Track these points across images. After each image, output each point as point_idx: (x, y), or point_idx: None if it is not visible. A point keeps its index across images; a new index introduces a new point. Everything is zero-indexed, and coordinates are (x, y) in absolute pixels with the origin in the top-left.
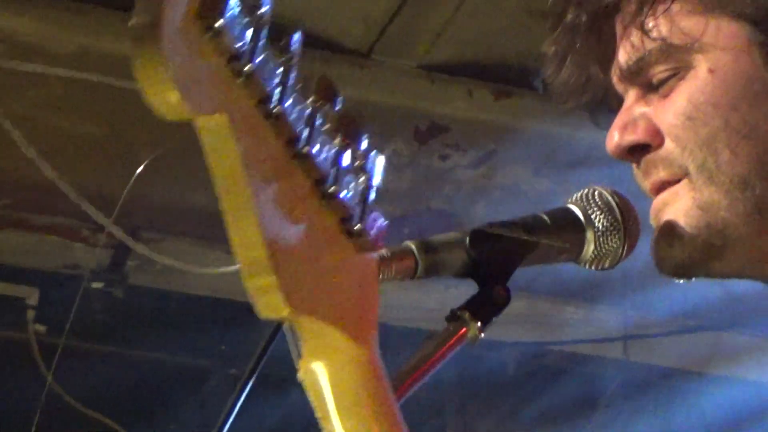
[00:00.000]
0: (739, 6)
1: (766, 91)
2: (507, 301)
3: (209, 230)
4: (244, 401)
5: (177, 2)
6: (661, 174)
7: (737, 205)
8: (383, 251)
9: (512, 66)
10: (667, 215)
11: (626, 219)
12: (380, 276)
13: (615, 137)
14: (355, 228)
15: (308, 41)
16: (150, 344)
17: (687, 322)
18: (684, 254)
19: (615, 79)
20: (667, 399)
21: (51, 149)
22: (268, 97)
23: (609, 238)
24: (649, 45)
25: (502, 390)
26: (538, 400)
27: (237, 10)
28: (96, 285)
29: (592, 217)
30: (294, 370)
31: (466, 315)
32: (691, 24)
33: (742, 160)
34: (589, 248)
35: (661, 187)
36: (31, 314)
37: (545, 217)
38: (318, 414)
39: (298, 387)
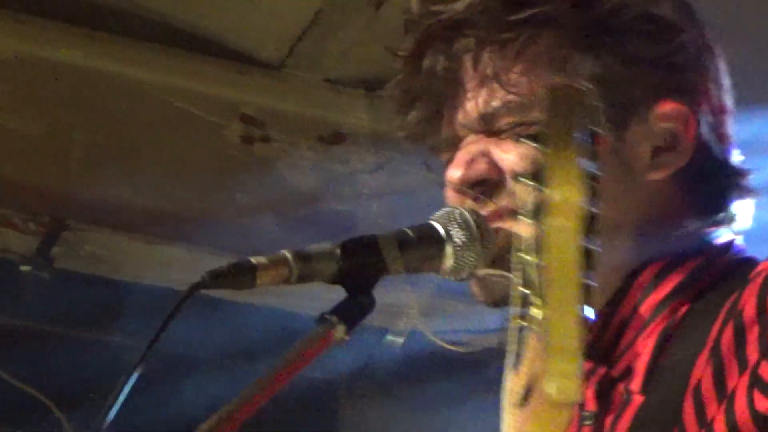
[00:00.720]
0: (588, 77)
1: (604, 150)
2: (371, 307)
3: (130, 222)
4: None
5: None
6: (505, 204)
7: None
8: (262, 258)
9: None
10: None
11: (483, 237)
12: (257, 281)
13: (460, 171)
14: None
15: (226, 53)
16: (76, 324)
17: None
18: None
19: (456, 123)
20: None
21: None
22: None
23: (466, 253)
24: (503, 99)
25: (393, 376)
26: (427, 386)
27: None
28: (24, 268)
29: (452, 232)
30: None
31: (334, 319)
32: (539, 85)
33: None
34: (449, 261)
35: (498, 216)
36: None
37: (410, 232)
38: None
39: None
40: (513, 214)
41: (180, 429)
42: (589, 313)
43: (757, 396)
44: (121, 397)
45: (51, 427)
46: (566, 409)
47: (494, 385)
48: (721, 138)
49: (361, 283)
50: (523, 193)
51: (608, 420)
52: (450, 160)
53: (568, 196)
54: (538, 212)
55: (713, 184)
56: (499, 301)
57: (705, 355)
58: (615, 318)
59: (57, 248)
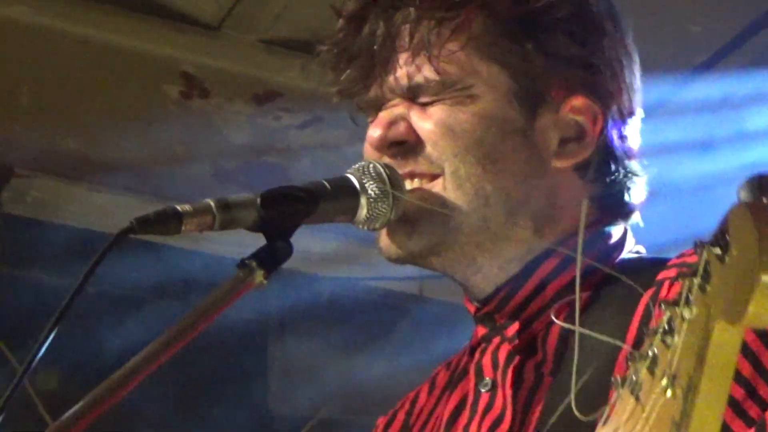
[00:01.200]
0: (510, 60)
1: (515, 131)
2: (289, 253)
3: (73, 170)
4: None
5: None
6: (422, 167)
7: (472, 215)
8: (186, 206)
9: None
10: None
11: (395, 190)
12: (183, 227)
13: (379, 131)
14: None
15: (167, 14)
16: (21, 264)
17: None
18: (416, 247)
19: (385, 86)
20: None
21: None
22: None
23: (379, 204)
24: (432, 74)
25: (317, 318)
26: (348, 328)
27: None
28: None
29: (366, 184)
30: None
31: (254, 264)
32: (470, 64)
33: (488, 180)
34: (363, 212)
35: (415, 176)
36: None
37: (327, 184)
38: None
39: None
40: (423, 176)
41: (114, 361)
42: None
43: None
44: (53, 332)
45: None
46: None
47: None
48: (625, 139)
49: (280, 231)
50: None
51: (522, 395)
52: (373, 120)
53: (760, 312)
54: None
55: (612, 180)
56: (402, 259)
57: (629, 340)
58: (519, 293)
59: (5, 194)
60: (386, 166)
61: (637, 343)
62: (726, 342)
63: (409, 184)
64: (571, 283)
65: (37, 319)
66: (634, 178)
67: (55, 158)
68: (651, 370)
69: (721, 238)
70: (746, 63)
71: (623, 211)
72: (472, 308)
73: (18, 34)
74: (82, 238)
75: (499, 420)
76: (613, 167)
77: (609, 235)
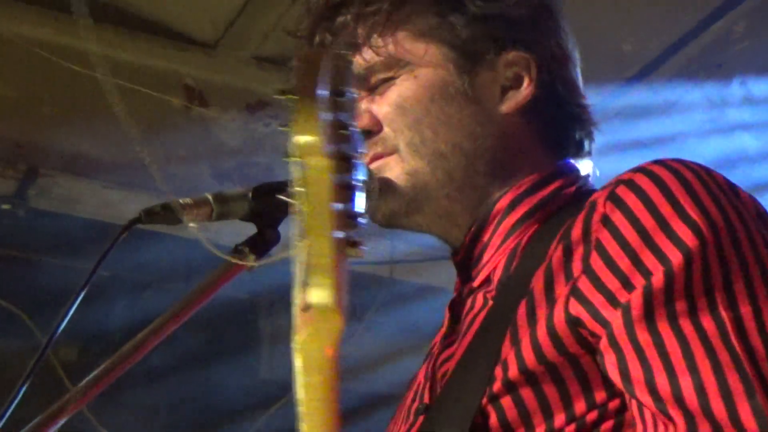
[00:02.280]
0: (441, 35)
1: (456, 92)
2: (277, 240)
3: (90, 170)
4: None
5: None
6: (378, 149)
7: (436, 173)
8: (188, 200)
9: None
10: (383, 179)
11: (370, 183)
12: (184, 218)
13: None
14: (357, 241)
15: (171, 34)
16: (45, 252)
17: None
18: (393, 206)
19: None
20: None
21: None
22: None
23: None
24: (376, 59)
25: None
26: None
27: None
28: (5, 206)
29: None
30: None
31: (246, 250)
32: (406, 45)
33: (441, 140)
34: None
35: (375, 158)
36: None
37: None
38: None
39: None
40: (382, 156)
41: (124, 334)
42: (353, 235)
43: (572, 302)
44: (72, 309)
45: (23, 333)
46: (331, 313)
47: (384, 304)
48: (565, 81)
49: (268, 220)
50: (393, 138)
51: (468, 318)
52: None
53: (310, 141)
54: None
55: (557, 117)
56: (388, 219)
57: (542, 269)
58: (481, 239)
59: (31, 191)
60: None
61: (547, 270)
62: (313, 164)
63: (373, 165)
64: (519, 221)
65: (59, 299)
66: (579, 112)
67: (74, 160)
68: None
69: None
70: (671, 76)
71: (572, 145)
72: (454, 259)
73: (40, 52)
74: (97, 228)
75: (449, 342)
76: (556, 107)
77: (562, 171)
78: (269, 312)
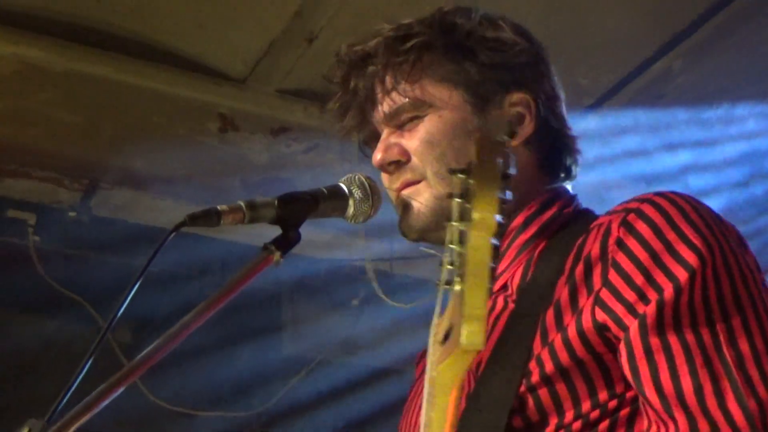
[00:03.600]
0: (458, 80)
1: (474, 129)
2: (298, 240)
3: (142, 184)
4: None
5: None
6: (408, 177)
7: None
8: (224, 206)
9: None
10: (414, 202)
11: (373, 194)
12: (222, 221)
13: (379, 156)
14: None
15: (208, 71)
16: (105, 252)
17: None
18: (425, 224)
19: (377, 122)
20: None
21: (46, 132)
22: None
23: (362, 204)
24: (403, 101)
25: (319, 287)
26: (339, 294)
27: None
28: (72, 214)
29: (353, 190)
30: None
31: (273, 248)
32: (429, 89)
33: None
34: (350, 210)
35: (407, 185)
36: (30, 230)
37: (324, 190)
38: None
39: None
40: (412, 183)
41: (171, 320)
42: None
43: (597, 311)
44: (128, 299)
45: (86, 320)
46: (472, 354)
47: (386, 294)
48: (556, 116)
49: (292, 223)
50: (421, 167)
51: (491, 318)
52: (374, 149)
53: (486, 216)
54: (462, 218)
55: (553, 147)
56: (415, 235)
57: (563, 280)
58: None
59: (93, 201)
60: (368, 178)
61: (570, 274)
62: (481, 235)
63: (405, 191)
64: (531, 238)
65: (116, 290)
66: (570, 144)
67: (129, 175)
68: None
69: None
70: (621, 105)
71: (564, 170)
72: None
73: (101, 86)
74: (148, 232)
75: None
76: (552, 138)
77: (561, 195)
78: (290, 299)
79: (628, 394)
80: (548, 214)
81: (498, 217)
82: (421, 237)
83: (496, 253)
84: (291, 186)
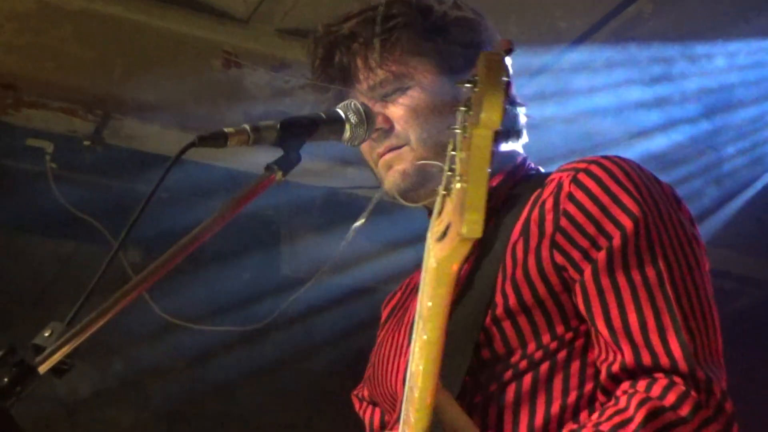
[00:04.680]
0: (433, 56)
1: (449, 98)
2: (298, 161)
3: (151, 115)
4: None
5: None
6: (392, 142)
7: (437, 159)
8: (231, 129)
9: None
10: (398, 165)
11: (368, 118)
12: (228, 143)
13: None
14: None
15: (215, 11)
16: (116, 175)
17: None
18: (405, 185)
19: (360, 90)
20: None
21: (62, 66)
22: None
23: (358, 128)
24: (386, 74)
25: (314, 213)
26: (334, 218)
27: None
28: (86, 142)
29: (349, 115)
30: None
31: (275, 166)
32: (410, 64)
33: (441, 135)
34: (347, 134)
35: (390, 150)
36: (48, 158)
37: (323, 114)
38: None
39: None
40: (396, 148)
41: (172, 238)
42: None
43: (556, 253)
44: (137, 218)
45: (99, 240)
46: (469, 242)
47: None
48: (510, 86)
49: (292, 145)
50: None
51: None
52: None
53: (493, 116)
54: (465, 125)
55: (510, 114)
56: (401, 194)
57: (518, 226)
58: None
59: (106, 131)
60: (363, 104)
61: (526, 220)
62: (482, 134)
63: (388, 155)
64: (494, 188)
65: (127, 212)
66: (520, 111)
67: (138, 106)
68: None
69: (473, 79)
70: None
71: (518, 132)
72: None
73: (113, 24)
74: (157, 160)
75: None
76: (510, 104)
77: (516, 156)
78: (288, 222)
79: (582, 327)
80: (506, 171)
81: (500, 121)
82: (403, 196)
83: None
84: (288, 116)
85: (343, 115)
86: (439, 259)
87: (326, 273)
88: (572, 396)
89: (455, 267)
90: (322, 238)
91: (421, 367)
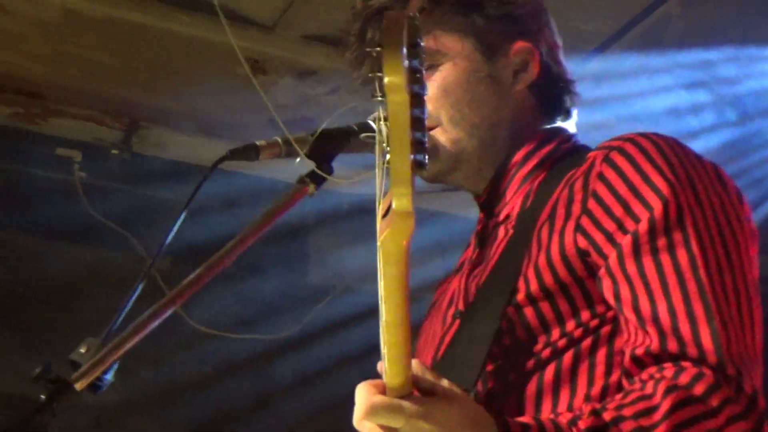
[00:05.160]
0: (467, 31)
1: (484, 76)
2: (331, 173)
3: (177, 123)
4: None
5: None
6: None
7: (471, 140)
8: (263, 141)
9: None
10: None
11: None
12: (260, 155)
13: None
14: (424, 162)
15: (234, 17)
16: (144, 183)
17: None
18: (440, 167)
19: None
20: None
21: (88, 74)
22: None
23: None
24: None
25: (342, 218)
26: (360, 224)
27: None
28: (114, 151)
29: (380, 127)
30: None
31: (307, 179)
32: (441, 40)
33: (475, 114)
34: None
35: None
36: (77, 166)
37: (354, 126)
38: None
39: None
40: (429, 129)
41: (210, 248)
42: (421, 157)
43: (579, 237)
44: (173, 231)
45: (126, 247)
46: (407, 216)
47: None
48: (557, 63)
49: (325, 157)
50: (437, 113)
51: (492, 248)
52: None
53: (394, 80)
54: (381, 91)
55: (554, 91)
56: (432, 177)
57: (549, 206)
58: (501, 185)
59: (134, 138)
60: None
61: (556, 201)
62: (395, 100)
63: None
64: (531, 171)
65: (154, 221)
66: (568, 86)
67: (165, 114)
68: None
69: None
70: (622, 50)
71: (564, 110)
72: (477, 201)
73: (138, 31)
74: (183, 167)
75: (478, 263)
76: (552, 83)
77: (560, 132)
78: (316, 229)
79: (609, 314)
80: (547, 149)
81: (406, 83)
82: (436, 179)
83: (419, 122)
84: (314, 124)
85: (374, 127)
86: (383, 238)
87: (352, 280)
88: (597, 386)
89: (404, 243)
90: (348, 245)
91: (384, 351)
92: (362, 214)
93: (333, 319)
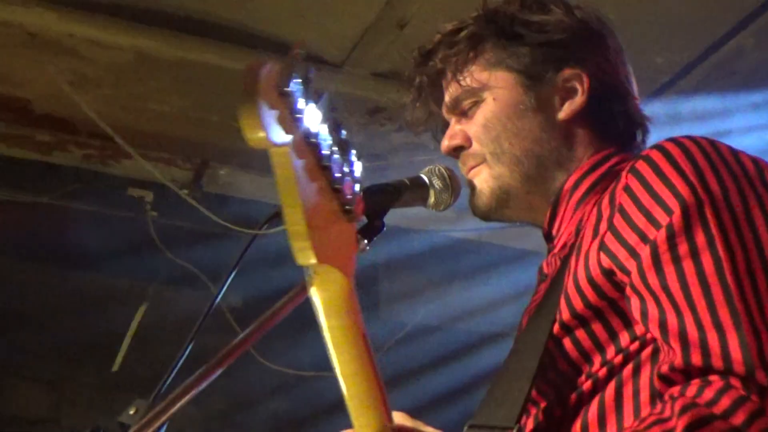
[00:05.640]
0: (509, 63)
1: (526, 108)
2: (382, 228)
3: (246, 163)
4: None
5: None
6: (470, 162)
7: (514, 175)
8: None
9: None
10: (477, 184)
11: (453, 183)
12: None
13: (445, 143)
14: (347, 208)
15: (312, 57)
16: (216, 224)
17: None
18: (487, 204)
19: (444, 112)
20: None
21: (160, 116)
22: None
23: (442, 194)
24: (460, 90)
25: (415, 262)
26: (435, 268)
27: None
28: (184, 191)
29: (434, 181)
30: None
31: (359, 236)
32: (483, 76)
33: (517, 148)
34: (432, 199)
35: (471, 169)
36: (148, 206)
37: (407, 181)
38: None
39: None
40: (475, 167)
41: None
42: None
43: (602, 256)
44: (236, 268)
45: (199, 287)
46: (328, 269)
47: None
48: (612, 86)
49: (376, 213)
50: (480, 151)
51: (547, 281)
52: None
53: (249, 135)
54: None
55: (607, 117)
56: (484, 214)
57: (582, 229)
58: (557, 215)
59: (204, 178)
60: (447, 168)
61: (599, 216)
62: (278, 160)
63: (469, 174)
64: (583, 196)
65: (227, 263)
66: (628, 112)
67: (235, 154)
68: None
69: None
70: (696, 83)
71: (621, 137)
72: (543, 233)
73: (208, 74)
74: (255, 206)
75: (537, 298)
76: (605, 108)
77: (612, 153)
78: (386, 272)
79: (649, 335)
80: (599, 172)
81: (264, 134)
82: (487, 216)
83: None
84: (385, 161)
85: (427, 181)
86: (312, 292)
87: (423, 320)
88: (644, 413)
89: (333, 294)
90: (419, 286)
91: (347, 403)
92: (432, 252)
93: (401, 361)
